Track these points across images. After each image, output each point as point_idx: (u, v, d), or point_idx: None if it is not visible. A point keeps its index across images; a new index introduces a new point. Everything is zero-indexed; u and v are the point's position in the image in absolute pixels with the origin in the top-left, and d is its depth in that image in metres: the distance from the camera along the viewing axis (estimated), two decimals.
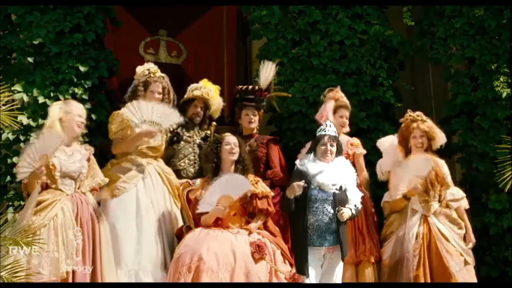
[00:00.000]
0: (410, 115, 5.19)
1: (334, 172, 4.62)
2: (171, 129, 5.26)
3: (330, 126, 4.76)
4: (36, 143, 4.34)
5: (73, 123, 4.59)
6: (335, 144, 4.70)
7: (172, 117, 4.96)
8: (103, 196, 4.69)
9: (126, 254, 4.70)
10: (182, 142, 5.36)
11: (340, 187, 4.60)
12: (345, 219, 4.53)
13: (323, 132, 4.73)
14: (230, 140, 4.87)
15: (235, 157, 4.83)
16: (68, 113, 4.60)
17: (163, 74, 5.30)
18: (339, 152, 4.75)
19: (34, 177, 4.30)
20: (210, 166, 4.84)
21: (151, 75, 5.20)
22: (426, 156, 5.01)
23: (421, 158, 4.99)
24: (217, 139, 4.94)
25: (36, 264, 4.13)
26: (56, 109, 4.63)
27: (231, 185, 4.62)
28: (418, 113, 5.21)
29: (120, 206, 4.83)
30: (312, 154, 4.71)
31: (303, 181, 4.49)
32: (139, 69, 5.27)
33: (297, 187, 4.46)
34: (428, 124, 5.14)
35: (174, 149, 5.33)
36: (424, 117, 5.17)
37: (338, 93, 5.47)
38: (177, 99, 5.50)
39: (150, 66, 5.29)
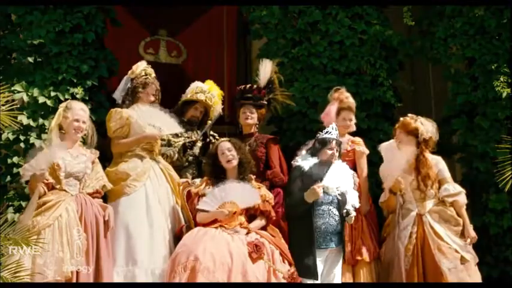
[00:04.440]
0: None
1: (337, 175, 4.68)
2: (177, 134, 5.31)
3: (336, 130, 4.81)
4: (45, 151, 4.41)
5: (70, 129, 4.63)
6: (339, 148, 4.79)
7: (173, 127, 5.05)
8: None
9: (143, 253, 4.70)
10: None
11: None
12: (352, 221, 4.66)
13: (329, 136, 4.76)
14: (223, 147, 4.83)
15: (234, 163, 4.81)
16: (66, 119, 4.64)
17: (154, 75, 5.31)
18: (340, 155, 4.83)
19: (35, 179, 4.34)
20: (214, 176, 4.85)
21: (149, 76, 5.20)
22: (406, 149, 4.95)
23: (398, 153, 4.97)
24: (211, 153, 4.91)
25: (41, 264, 4.14)
26: (57, 114, 4.70)
27: (242, 194, 4.64)
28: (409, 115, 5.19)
29: (131, 204, 4.82)
30: (311, 155, 4.74)
31: (319, 184, 4.51)
32: (136, 68, 5.23)
33: (318, 190, 4.50)
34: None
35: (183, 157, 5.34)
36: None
37: (342, 95, 5.40)
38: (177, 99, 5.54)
39: (146, 67, 5.27)
